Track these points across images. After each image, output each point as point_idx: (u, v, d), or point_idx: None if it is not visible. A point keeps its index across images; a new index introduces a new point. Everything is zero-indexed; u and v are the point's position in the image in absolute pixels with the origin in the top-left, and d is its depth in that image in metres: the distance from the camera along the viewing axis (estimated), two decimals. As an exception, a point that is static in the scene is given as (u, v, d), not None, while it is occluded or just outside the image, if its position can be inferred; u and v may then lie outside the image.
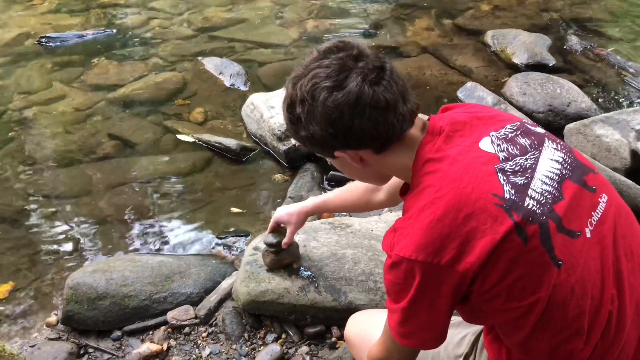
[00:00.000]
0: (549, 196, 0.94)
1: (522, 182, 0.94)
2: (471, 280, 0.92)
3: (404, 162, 1.03)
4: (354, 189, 1.53)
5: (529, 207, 0.92)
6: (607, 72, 3.40)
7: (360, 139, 0.99)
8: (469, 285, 0.93)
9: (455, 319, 1.15)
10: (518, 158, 0.97)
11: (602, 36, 3.84)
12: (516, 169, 0.96)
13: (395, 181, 1.26)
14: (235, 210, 2.48)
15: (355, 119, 0.96)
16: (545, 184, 0.95)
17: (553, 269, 0.91)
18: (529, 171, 0.96)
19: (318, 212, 1.71)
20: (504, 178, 0.94)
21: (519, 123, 1.04)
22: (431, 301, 0.96)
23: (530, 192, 0.93)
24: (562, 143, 1.04)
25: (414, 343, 1.03)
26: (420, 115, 1.06)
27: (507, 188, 0.93)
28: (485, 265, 0.91)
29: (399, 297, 0.98)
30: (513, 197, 0.92)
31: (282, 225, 1.68)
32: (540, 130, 1.05)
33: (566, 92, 2.97)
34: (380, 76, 0.97)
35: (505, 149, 0.98)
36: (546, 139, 1.03)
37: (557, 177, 0.97)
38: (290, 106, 1.02)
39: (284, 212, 1.65)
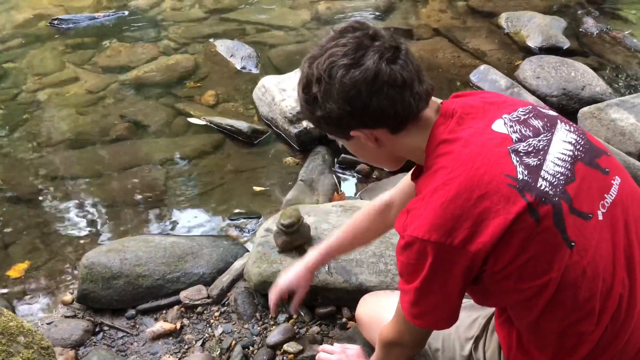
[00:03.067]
0: (561, 177, 0.94)
1: (534, 163, 0.94)
2: (483, 260, 0.93)
3: (418, 143, 1.03)
4: (361, 217, 1.44)
5: (542, 187, 0.92)
6: (623, 55, 3.35)
7: (377, 118, 0.99)
8: (481, 265, 0.94)
9: (467, 302, 1.16)
10: (531, 139, 0.97)
11: (618, 19, 3.77)
12: (529, 150, 0.95)
13: (407, 193, 1.27)
14: (258, 189, 2.49)
15: (373, 97, 0.96)
16: (558, 165, 0.95)
17: (565, 249, 0.92)
18: (541, 152, 0.96)
19: (324, 264, 1.59)
20: (517, 159, 0.94)
21: (531, 106, 1.04)
22: (443, 281, 0.97)
23: (542, 173, 0.93)
24: (574, 125, 1.04)
25: (426, 323, 1.04)
26: (433, 98, 1.06)
27: (520, 169, 0.93)
28: (497, 246, 0.91)
29: (411, 278, 0.99)
30: (526, 177, 0.92)
31: (290, 291, 1.54)
32: (552, 112, 1.05)
33: (581, 75, 2.93)
34: (397, 55, 0.97)
35: (518, 130, 0.98)
36: (559, 121, 1.03)
37: (569, 159, 0.97)
38: (306, 86, 1.01)
39: (290, 276, 1.51)
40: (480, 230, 0.91)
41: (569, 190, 0.93)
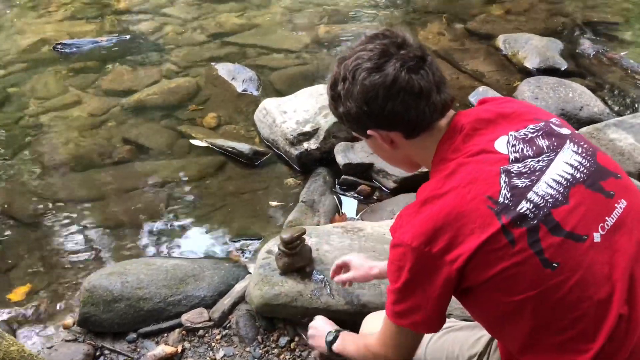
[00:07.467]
0: (549, 199, 0.97)
1: (524, 184, 0.98)
2: (461, 272, 0.97)
3: (428, 153, 1.09)
4: None
5: (521, 210, 0.96)
6: (620, 75, 3.39)
7: (392, 121, 1.06)
8: (461, 277, 0.98)
9: (472, 322, 1.16)
10: (529, 160, 1.00)
11: (614, 40, 3.82)
12: (523, 170, 0.99)
13: None
14: (274, 203, 2.52)
15: (389, 101, 1.03)
16: (550, 187, 0.98)
17: (544, 270, 0.94)
18: (537, 173, 0.99)
19: (381, 277, 1.58)
20: (506, 180, 0.98)
21: (543, 123, 1.06)
22: (422, 286, 1.02)
23: (530, 194, 0.97)
24: (585, 145, 1.05)
25: (406, 323, 1.08)
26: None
27: (504, 192, 0.97)
28: (473, 260, 0.96)
29: (395, 277, 1.05)
30: (507, 201, 0.96)
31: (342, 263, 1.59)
32: (565, 131, 1.07)
33: (578, 96, 2.96)
34: (419, 65, 1.03)
35: (519, 150, 1.01)
36: (568, 141, 1.04)
37: (565, 182, 0.99)
38: (333, 84, 1.10)
39: (358, 258, 1.57)
40: (457, 243, 0.96)
41: (556, 213, 0.96)
